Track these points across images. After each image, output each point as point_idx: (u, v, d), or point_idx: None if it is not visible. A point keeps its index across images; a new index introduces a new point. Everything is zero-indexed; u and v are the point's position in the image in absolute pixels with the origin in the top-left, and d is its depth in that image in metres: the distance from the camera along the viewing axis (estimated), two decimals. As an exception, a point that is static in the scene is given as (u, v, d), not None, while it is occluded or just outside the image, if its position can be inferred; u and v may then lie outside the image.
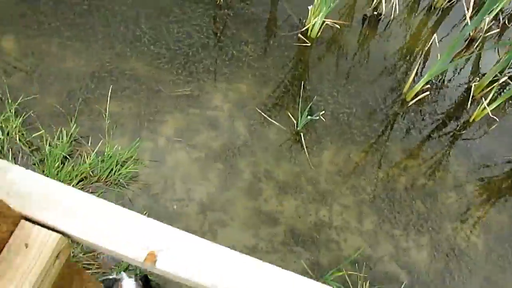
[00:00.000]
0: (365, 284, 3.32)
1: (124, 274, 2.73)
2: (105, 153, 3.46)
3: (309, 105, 4.16)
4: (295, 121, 4.01)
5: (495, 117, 4.19)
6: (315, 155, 3.99)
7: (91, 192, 3.31)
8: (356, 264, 3.40)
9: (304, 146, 3.96)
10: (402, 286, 3.38)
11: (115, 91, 3.97)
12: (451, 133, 4.31)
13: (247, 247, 3.40)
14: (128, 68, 4.14)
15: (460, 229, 3.76)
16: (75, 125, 3.60)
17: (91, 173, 3.37)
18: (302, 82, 4.41)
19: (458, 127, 4.33)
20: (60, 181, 3.18)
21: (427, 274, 3.51)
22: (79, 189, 3.26)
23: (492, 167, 4.18)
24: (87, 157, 3.42)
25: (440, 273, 3.52)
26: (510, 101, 4.54)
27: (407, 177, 3.98)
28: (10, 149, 3.36)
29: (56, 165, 3.21)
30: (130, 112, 3.89)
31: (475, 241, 3.73)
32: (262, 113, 4.10)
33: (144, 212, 3.36)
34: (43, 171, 3.24)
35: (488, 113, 4.12)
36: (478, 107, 4.30)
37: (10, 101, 3.65)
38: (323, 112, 4.18)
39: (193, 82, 4.18)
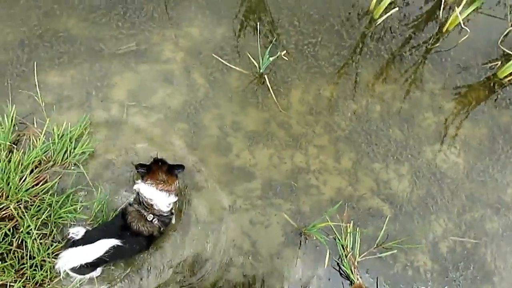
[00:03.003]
0: (349, 226, 3.55)
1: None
2: (55, 133, 3.45)
3: (270, 41, 4.12)
4: (256, 63, 4.00)
5: (467, 28, 4.24)
6: (283, 96, 4.03)
7: (50, 178, 3.32)
8: (338, 205, 3.55)
9: (270, 88, 3.99)
10: (386, 220, 3.65)
11: (52, 58, 3.85)
12: (424, 48, 4.37)
13: (224, 208, 3.56)
14: (61, 28, 3.97)
15: (440, 150, 3.99)
16: (14, 106, 3.53)
17: (44, 157, 3.38)
18: (259, 15, 4.31)
19: (431, 40, 4.39)
20: (11, 174, 3.17)
21: (409, 203, 3.78)
22: (34, 177, 3.24)
23: (468, 77, 4.32)
24: (36, 141, 3.38)
25: (422, 200, 3.80)
26: (481, 8, 4.56)
27: (382, 104, 4.10)
28: None
29: (3, 156, 3.17)
30: (73, 80, 3.81)
31: (456, 160, 3.96)
32: (220, 59, 4.06)
33: (109, 191, 3.44)
34: (-9, 165, 3.21)
35: (460, 22, 4.14)
36: (451, 15, 4.32)
37: None
38: (286, 45, 4.17)
39: (137, 35, 4.05)
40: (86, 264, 2.84)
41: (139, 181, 3.13)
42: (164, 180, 3.06)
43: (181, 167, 3.18)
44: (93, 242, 2.85)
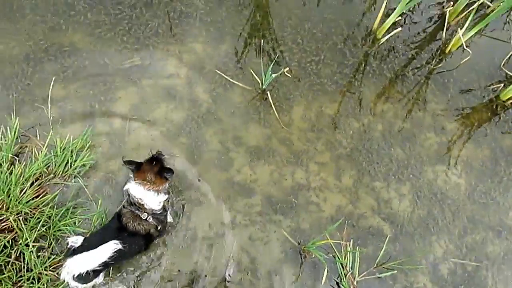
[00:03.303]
0: (349, 245, 3.55)
1: None
2: (57, 145, 3.49)
3: (273, 58, 4.19)
4: (259, 80, 4.05)
5: (468, 49, 4.29)
6: (285, 113, 4.06)
7: (50, 190, 3.36)
8: (338, 223, 3.56)
9: (272, 105, 4.03)
10: (386, 239, 3.64)
11: (56, 72, 3.90)
12: (427, 68, 4.42)
13: (224, 223, 3.57)
14: (66, 43, 4.04)
15: (441, 171, 4.00)
16: (17, 119, 3.59)
17: (45, 170, 3.42)
18: (262, 32, 4.38)
19: (433, 61, 4.44)
20: (12, 185, 3.20)
21: (410, 224, 3.78)
22: (35, 189, 3.28)
23: (470, 99, 4.36)
24: (39, 153, 3.43)
25: (423, 221, 3.80)
26: (485, 30, 4.63)
27: (384, 123, 4.12)
28: (-49, 157, 3.33)
29: (5, 168, 3.21)
30: (77, 94, 3.86)
31: (457, 181, 3.97)
32: (223, 74, 4.11)
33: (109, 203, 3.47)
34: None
35: (462, 44, 4.20)
36: (454, 37, 4.38)
37: None
38: (289, 62, 4.23)
39: (141, 50, 4.11)
40: (90, 270, 2.87)
41: (129, 181, 3.16)
42: (151, 181, 3.05)
43: (171, 171, 3.14)
44: (94, 248, 2.88)
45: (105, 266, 2.94)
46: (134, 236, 3.04)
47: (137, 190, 3.05)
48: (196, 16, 4.35)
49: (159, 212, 3.14)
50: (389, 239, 3.69)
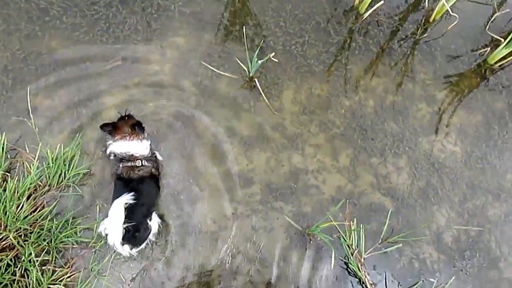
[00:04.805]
0: (353, 224, 3.58)
1: None
2: (49, 157, 3.43)
3: (257, 44, 4.14)
4: (245, 67, 4.00)
5: (455, 14, 4.27)
6: (275, 98, 4.04)
7: (47, 203, 3.32)
8: (340, 204, 3.59)
9: (261, 92, 4.00)
10: (389, 214, 3.68)
11: (37, 81, 3.79)
12: (412, 39, 4.40)
13: (226, 215, 3.57)
14: (44, 50, 3.94)
15: (436, 141, 4.02)
16: (4, 133, 3.51)
17: (39, 182, 3.36)
18: (244, 18, 4.32)
19: (418, 31, 4.43)
20: (7, 203, 3.15)
21: (410, 196, 3.81)
22: (31, 204, 3.24)
23: (459, 65, 4.37)
24: (30, 166, 3.37)
25: (423, 191, 3.84)
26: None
27: (375, 98, 4.12)
28: None
29: (-2, 185, 3.17)
30: (62, 101, 3.78)
31: (453, 149, 4.00)
32: (209, 66, 4.06)
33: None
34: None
35: (448, 10, 4.17)
36: (437, 4, 4.35)
37: None
38: (274, 46, 4.19)
39: (122, 49, 4.04)
40: (129, 228, 2.98)
41: (109, 142, 3.34)
42: (130, 132, 3.28)
43: (142, 129, 3.34)
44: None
45: (142, 215, 3.10)
46: (142, 181, 3.24)
47: (121, 145, 3.27)
48: (174, 9, 4.26)
49: (150, 155, 3.33)
50: (391, 213, 3.72)
